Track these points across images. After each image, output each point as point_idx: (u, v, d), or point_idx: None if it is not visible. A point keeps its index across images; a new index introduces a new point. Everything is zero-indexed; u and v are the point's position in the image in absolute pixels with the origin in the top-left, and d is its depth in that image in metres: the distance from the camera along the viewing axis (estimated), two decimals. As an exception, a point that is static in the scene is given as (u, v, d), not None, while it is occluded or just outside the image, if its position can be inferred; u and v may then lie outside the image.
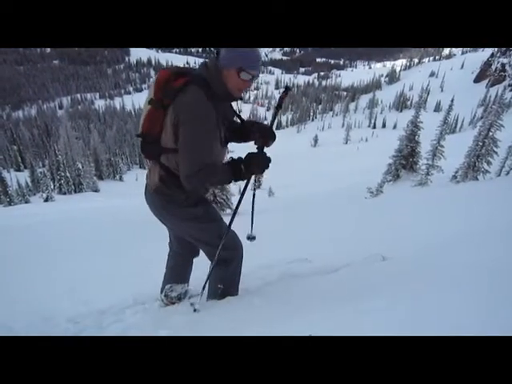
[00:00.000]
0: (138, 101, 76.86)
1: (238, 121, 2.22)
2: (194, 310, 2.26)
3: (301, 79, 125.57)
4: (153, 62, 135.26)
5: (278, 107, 2.11)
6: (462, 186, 9.97)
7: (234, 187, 16.09)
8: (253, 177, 2.17)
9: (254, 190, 2.48)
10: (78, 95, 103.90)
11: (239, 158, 1.94)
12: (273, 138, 2.09)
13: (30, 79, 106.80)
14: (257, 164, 1.95)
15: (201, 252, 2.38)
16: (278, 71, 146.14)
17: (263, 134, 2.08)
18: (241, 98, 2.03)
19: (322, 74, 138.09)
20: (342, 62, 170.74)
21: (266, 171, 2.04)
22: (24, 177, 28.14)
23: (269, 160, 2.00)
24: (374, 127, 55.04)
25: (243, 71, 1.83)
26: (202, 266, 2.43)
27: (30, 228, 7.58)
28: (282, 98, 2.07)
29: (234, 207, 11.39)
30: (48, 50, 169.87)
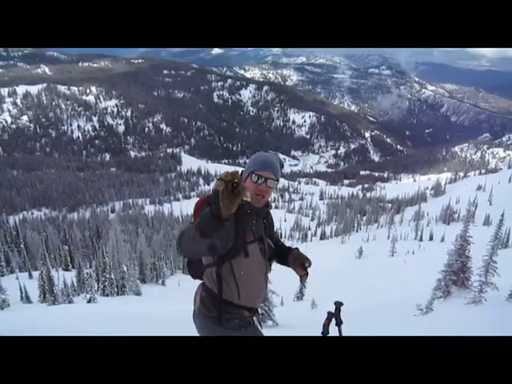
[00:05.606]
0: (185, 207, 79.47)
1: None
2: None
3: (345, 191, 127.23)
4: (202, 172, 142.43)
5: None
6: (521, 305, 9.24)
7: (277, 298, 15.59)
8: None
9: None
10: (130, 200, 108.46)
11: None
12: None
13: (88, 184, 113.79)
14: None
15: None
16: (322, 183, 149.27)
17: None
18: (267, 209, 2.17)
19: (366, 185, 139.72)
20: (386, 175, 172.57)
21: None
22: (71, 276, 28.65)
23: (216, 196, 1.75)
24: (421, 240, 53.49)
25: (253, 174, 1.95)
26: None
27: (73, 327, 7.61)
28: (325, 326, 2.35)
29: (275, 319, 10.88)
30: (108, 157, 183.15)
